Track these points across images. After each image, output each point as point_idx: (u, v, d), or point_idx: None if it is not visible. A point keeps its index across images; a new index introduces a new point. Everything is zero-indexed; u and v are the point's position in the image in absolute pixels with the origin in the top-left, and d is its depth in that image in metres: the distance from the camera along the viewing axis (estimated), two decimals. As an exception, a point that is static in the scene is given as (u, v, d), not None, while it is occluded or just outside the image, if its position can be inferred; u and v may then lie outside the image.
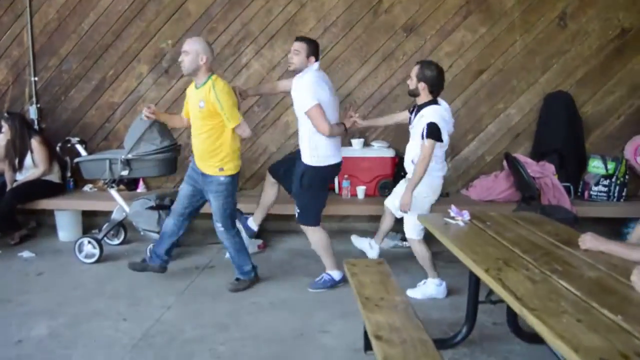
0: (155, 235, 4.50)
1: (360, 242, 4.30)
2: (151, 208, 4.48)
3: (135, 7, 5.28)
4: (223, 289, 3.91)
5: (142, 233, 4.60)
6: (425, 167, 3.49)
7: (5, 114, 4.95)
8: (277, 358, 2.96)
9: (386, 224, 4.10)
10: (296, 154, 3.95)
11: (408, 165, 3.76)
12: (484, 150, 5.28)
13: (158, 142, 4.24)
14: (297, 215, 3.89)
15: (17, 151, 4.91)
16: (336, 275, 3.94)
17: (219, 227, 3.82)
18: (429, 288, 3.79)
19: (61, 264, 4.49)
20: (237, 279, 3.93)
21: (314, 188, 3.83)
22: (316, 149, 3.73)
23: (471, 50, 5.13)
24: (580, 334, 1.56)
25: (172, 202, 4.75)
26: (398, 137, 5.25)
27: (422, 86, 3.58)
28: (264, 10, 5.20)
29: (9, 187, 4.91)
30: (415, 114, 3.65)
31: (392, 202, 3.95)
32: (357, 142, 5.08)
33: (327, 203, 4.02)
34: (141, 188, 5.44)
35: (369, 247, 4.22)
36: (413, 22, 5.12)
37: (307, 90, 3.62)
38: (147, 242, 4.53)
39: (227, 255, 4.17)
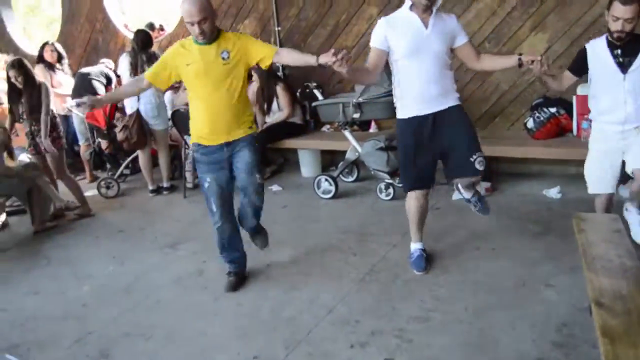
0: (384, 175, 4.70)
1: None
2: (381, 149, 4.66)
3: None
4: (447, 231, 3.95)
5: (372, 172, 4.84)
6: None
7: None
8: (495, 307, 2.90)
9: None
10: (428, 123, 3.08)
11: None
12: None
13: (387, 85, 4.34)
14: (479, 160, 3.05)
15: (265, 97, 5.51)
16: None
17: (258, 178, 3.36)
18: None
19: (303, 197, 5.03)
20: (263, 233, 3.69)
21: None
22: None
23: None
24: None
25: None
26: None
27: None
28: None
29: (259, 129, 5.57)
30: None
31: None
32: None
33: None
34: (373, 128, 5.65)
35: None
36: None
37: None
38: (378, 181, 4.77)
39: (455, 196, 4.19)
